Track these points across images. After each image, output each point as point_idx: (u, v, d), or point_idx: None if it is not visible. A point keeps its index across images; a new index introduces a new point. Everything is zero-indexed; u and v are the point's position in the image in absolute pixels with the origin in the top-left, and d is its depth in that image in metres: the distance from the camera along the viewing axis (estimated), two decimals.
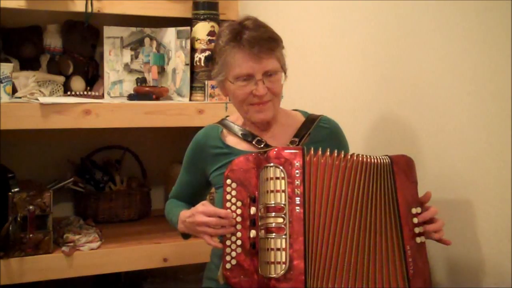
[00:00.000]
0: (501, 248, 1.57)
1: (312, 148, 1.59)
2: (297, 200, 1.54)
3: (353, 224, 1.56)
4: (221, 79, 1.75)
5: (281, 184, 1.55)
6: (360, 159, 1.60)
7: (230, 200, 1.60)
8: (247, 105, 1.72)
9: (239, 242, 1.58)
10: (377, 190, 1.59)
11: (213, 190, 1.91)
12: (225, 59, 1.71)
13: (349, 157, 1.60)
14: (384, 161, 1.61)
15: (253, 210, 1.58)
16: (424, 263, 1.59)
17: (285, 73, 1.75)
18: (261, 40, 1.67)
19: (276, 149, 1.58)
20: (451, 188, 1.69)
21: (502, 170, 1.55)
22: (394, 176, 1.60)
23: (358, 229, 1.56)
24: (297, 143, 1.74)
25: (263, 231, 1.55)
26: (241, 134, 1.78)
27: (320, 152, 1.59)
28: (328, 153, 1.59)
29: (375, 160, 1.61)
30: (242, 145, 1.77)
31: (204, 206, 1.65)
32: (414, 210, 1.60)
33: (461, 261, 1.69)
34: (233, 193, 1.60)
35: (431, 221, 1.61)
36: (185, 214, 1.72)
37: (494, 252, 1.60)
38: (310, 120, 1.82)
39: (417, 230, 1.59)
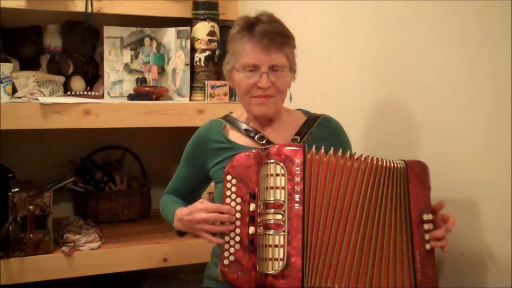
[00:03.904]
0: (502, 246, 1.57)
1: (313, 146, 1.59)
2: (297, 197, 1.53)
3: (358, 225, 1.56)
4: (229, 67, 1.76)
5: (281, 181, 1.54)
6: (373, 161, 1.59)
7: (230, 196, 1.60)
8: (250, 97, 1.74)
9: (237, 239, 1.58)
10: (388, 193, 1.58)
11: (213, 190, 1.90)
12: (235, 47, 1.73)
13: (356, 158, 1.59)
14: (399, 165, 1.60)
15: (252, 206, 1.58)
16: (432, 270, 1.58)
17: (293, 72, 1.76)
18: (272, 33, 1.69)
19: (277, 146, 1.59)
20: (451, 187, 1.69)
21: (502, 169, 1.55)
22: (408, 181, 1.59)
23: (364, 231, 1.55)
24: (298, 140, 1.75)
25: (261, 228, 1.55)
26: (244, 129, 1.79)
27: (322, 151, 1.58)
28: (331, 152, 1.59)
29: (389, 164, 1.60)
30: (244, 141, 1.78)
31: (202, 204, 1.65)
32: (425, 217, 1.58)
33: (462, 259, 1.69)
34: (233, 189, 1.60)
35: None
36: (182, 212, 1.72)
37: (495, 251, 1.60)
38: (312, 119, 1.83)
39: (427, 236, 1.58)
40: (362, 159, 1.59)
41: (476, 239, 1.64)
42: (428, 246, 1.58)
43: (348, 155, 1.59)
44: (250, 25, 1.71)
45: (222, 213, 1.59)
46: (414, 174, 1.60)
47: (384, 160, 1.60)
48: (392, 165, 1.60)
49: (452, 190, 1.69)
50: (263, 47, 1.68)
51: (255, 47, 1.69)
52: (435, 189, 1.63)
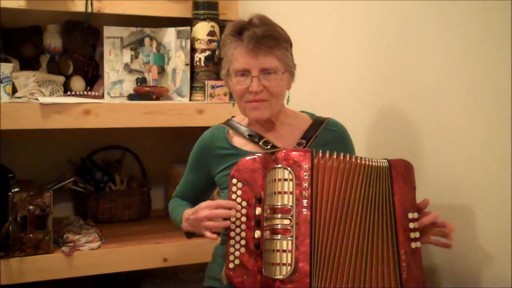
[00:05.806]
0: (501, 249, 1.57)
1: (320, 151, 1.58)
2: (305, 202, 1.53)
3: (354, 226, 1.56)
4: (225, 72, 1.76)
5: (289, 186, 1.54)
6: (360, 161, 1.60)
7: (235, 200, 1.60)
8: (244, 102, 1.73)
9: (243, 242, 1.58)
10: (374, 193, 1.59)
11: (214, 193, 1.90)
12: (226, 52, 1.73)
13: (347, 159, 1.59)
14: (383, 164, 1.61)
15: (258, 210, 1.58)
16: (418, 269, 1.58)
17: (290, 74, 1.75)
18: (261, 37, 1.67)
19: (284, 151, 1.58)
20: (451, 187, 1.69)
21: (502, 170, 1.55)
22: (392, 180, 1.60)
23: (358, 232, 1.56)
24: (304, 145, 1.74)
25: (268, 232, 1.55)
26: (248, 135, 1.78)
27: (327, 155, 1.58)
28: (334, 155, 1.59)
29: (374, 163, 1.60)
30: (248, 146, 1.77)
31: (207, 202, 1.65)
32: (410, 215, 1.59)
33: (461, 262, 1.69)
34: (239, 192, 1.60)
35: (433, 226, 1.60)
36: (188, 212, 1.72)
37: (494, 253, 1.60)
38: (318, 122, 1.81)
39: (412, 235, 1.58)
40: (353, 160, 1.60)
41: (475, 243, 1.64)
42: (413, 245, 1.58)
43: (341, 157, 1.59)
44: (240, 29, 1.70)
45: (225, 207, 1.59)
46: (398, 173, 1.61)
47: (368, 159, 1.61)
48: (375, 164, 1.61)
49: (451, 190, 1.69)
50: (250, 51, 1.67)
51: (243, 52, 1.68)
52: (435, 190, 1.64)
